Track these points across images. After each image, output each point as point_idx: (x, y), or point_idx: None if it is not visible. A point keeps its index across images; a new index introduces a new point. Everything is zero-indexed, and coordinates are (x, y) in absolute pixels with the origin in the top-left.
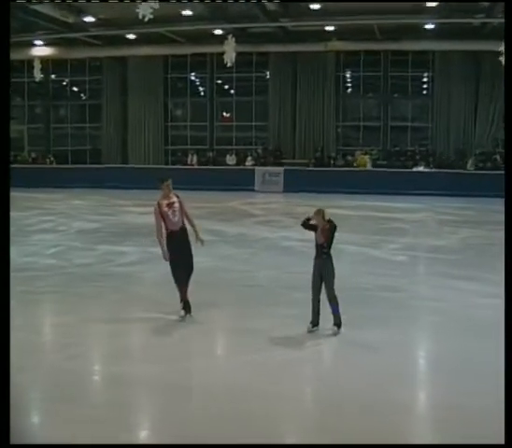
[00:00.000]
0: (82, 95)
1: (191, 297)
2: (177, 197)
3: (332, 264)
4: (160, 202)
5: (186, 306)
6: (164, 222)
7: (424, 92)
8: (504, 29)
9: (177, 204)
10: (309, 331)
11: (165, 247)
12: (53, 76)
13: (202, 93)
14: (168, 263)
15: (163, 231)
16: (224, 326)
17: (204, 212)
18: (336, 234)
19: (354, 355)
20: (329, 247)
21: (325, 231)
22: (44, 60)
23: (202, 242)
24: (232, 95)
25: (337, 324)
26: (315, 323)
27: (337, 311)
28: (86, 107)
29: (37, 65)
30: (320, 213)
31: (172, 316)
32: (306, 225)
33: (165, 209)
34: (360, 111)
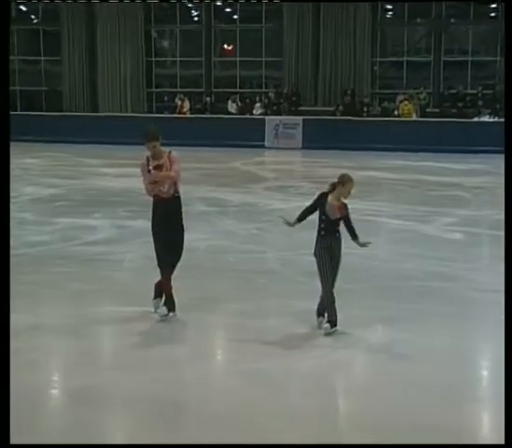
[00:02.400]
0: (34, 17)
1: (180, 285)
2: (169, 155)
3: (341, 245)
4: (148, 157)
5: (169, 301)
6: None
7: (491, 15)
8: (505, 29)
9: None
10: (327, 333)
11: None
12: None
13: (196, 18)
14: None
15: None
16: (222, 324)
17: (198, 175)
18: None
19: (393, 364)
20: (350, 226)
21: (342, 208)
22: None
23: None
24: (235, 21)
25: (331, 322)
26: (335, 320)
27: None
28: (40, 34)
29: None
30: (345, 182)
31: (151, 311)
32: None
33: (152, 172)
34: (403, 42)
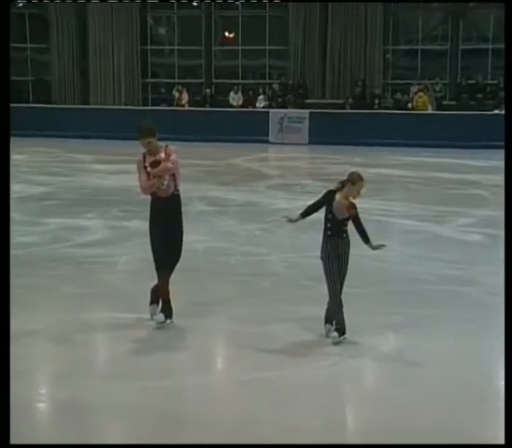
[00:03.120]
0: (18, 0)
1: (178, 289)
2: (166, 151)
3: (349, 247)
4: (145, 153)
5: (166, 307)
6: None
7: None
8: (505, 29)
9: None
10: (336, 342)
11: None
12: None
13: (195, 4)
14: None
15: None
16: (222, 331)
17: (197, 172)
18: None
19: (405, 374)
20: (361, 228)
21: (351, 208)
22: None
23: None
24: (237, 7)
25: (339, 330)
26: (343, 328)
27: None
28: (25, 19)
29: None
30: (356, 180)
31: (148, 317)
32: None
33: (149, 170)
34: (418, 29)
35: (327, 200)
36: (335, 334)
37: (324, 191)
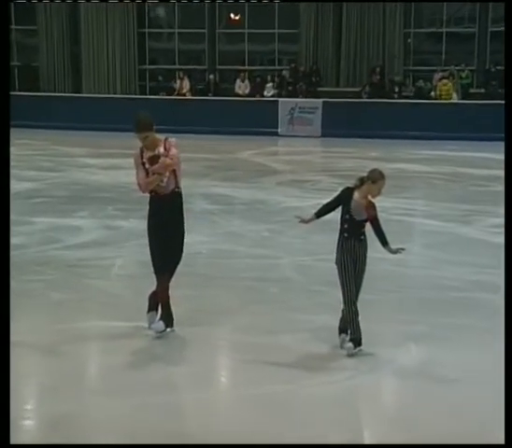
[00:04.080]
0: None
1: (179, 295)
2: (166, 144)
3: (367, 250)
4: (142, 148)
5: (166, 315)
6: None
7: None
8: (505, 29)
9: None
10: (350, 354)
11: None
12: None
13: None
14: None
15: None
16: (227, 341)
17: (200, 167)
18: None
19: (428, 390)
20: (380, 230)
21: (370, 208)
22: None
23: None
24: None
25: (354, 340)
26: (359, 339)
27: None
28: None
29: None
30: (377, 179)
31: (145, 326)
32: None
33: (147, 166)
34: (442, 10)
35: (344, 198)
36: (350, 345)
37: (341, 189)
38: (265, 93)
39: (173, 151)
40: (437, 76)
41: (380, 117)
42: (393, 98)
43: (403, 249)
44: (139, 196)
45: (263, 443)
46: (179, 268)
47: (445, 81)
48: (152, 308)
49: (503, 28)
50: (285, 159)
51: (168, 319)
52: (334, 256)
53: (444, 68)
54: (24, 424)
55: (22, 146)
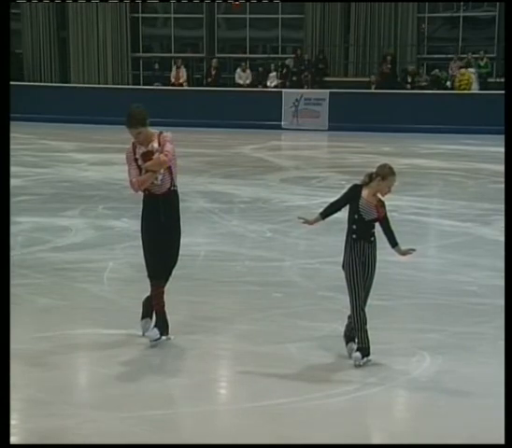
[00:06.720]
0: None
1: (175, 301)
2: (160, 139)
3: (377, 252)
4: (135, 143)
5: (161, 322)
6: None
7: None
8: (505, 29)
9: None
10: (358, 364)
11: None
12: None
13: None
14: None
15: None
16: (227, 350)
17: (198, 163)
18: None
19: (442, 404)
20: (390, 230)
21: (381, 207)
22: None
23: None
24: None
25: (362, 350)
26: (367, 348)
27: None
28: None
29: None
30: (386, 175)
31: (139, 334)
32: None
33: (140, 163)
34: None
35: (352, 197)
36: (358, 355)
37: (349, 186)
38: (268, 83)
39: (168, 146)
40: (454, 64)
41: (392, 109)
42: (406, 88)
43: (413, 250)
44: (132, 194)
45: None
46: (175, 271)
47: (462, 70)
48: (146, 315)
49: None
50: (289, 154)
51: (163, 327)
52: (341, 258)
53: (461, 56)
54: (11, 439)
55: None
